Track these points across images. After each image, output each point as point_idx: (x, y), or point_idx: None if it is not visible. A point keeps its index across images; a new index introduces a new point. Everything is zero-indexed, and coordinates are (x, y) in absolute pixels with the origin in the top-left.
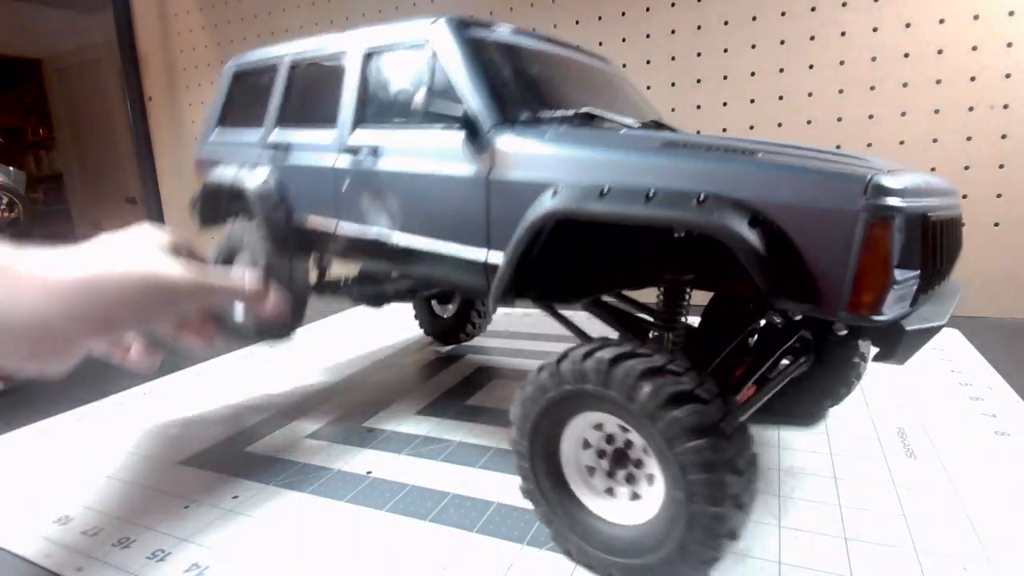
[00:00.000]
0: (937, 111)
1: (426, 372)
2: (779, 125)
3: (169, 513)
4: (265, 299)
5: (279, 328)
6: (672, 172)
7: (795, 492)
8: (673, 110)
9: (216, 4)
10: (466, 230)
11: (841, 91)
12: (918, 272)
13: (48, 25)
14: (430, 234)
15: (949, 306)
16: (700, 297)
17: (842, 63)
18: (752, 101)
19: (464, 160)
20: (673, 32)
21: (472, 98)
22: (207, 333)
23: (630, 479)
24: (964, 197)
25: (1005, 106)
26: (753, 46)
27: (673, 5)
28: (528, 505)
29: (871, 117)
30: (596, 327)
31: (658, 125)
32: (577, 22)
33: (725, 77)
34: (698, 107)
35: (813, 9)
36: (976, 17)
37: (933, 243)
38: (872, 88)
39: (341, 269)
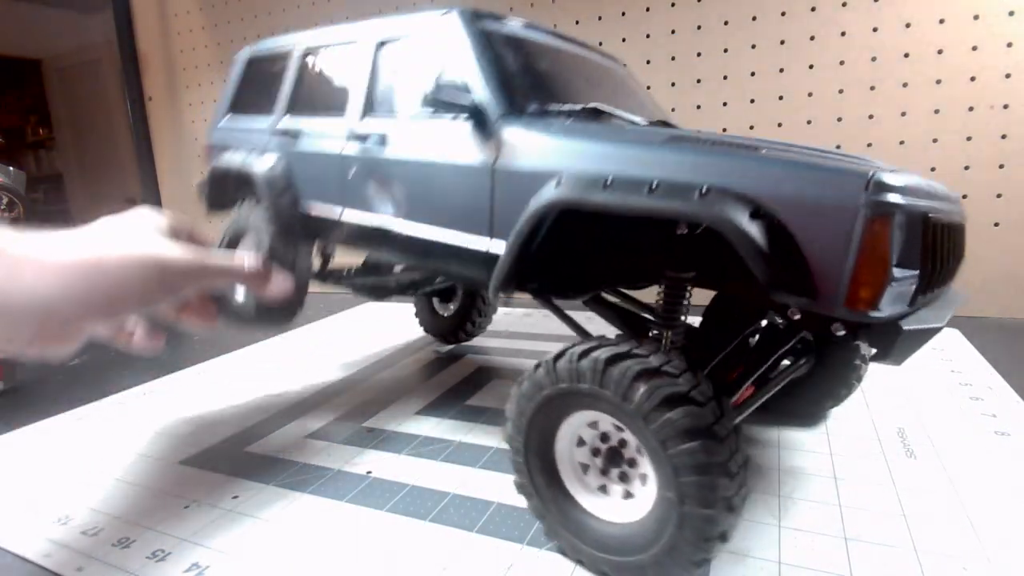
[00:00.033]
0: (937, 111)
1: (426, 372)
2: (779, 125)
3: (169, 513)
4: (266, 281)
5: (279, 313)
6: (675, 165)
7: (795, 492)
8: (673, 110)
9: (216, 4)
10: (469, 219)
11: (841, 91)
12: (917, 272)
13: (48, 25)
14: (433, 222)
15: (948, 311)
16: (701, 297)
17: (842, 63)
18: (752, 101)
19: (470, 149)
20: (673, 32)
21: (481, 88)
22: (209, 315)
23: (623, 478)
24: (964, 197)
25: (1005, 106)
26: (753, 46)
27: (673, 5)
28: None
29: (871, 117)
30: (596, 326)
31: (665, 125)
32: (577, 22)
33: (725, 77)
34: (698, 107)
35: (813, 9)
36: (976, 17)
37: (933, 245)
38: (872, 88)
39: (345, 259)
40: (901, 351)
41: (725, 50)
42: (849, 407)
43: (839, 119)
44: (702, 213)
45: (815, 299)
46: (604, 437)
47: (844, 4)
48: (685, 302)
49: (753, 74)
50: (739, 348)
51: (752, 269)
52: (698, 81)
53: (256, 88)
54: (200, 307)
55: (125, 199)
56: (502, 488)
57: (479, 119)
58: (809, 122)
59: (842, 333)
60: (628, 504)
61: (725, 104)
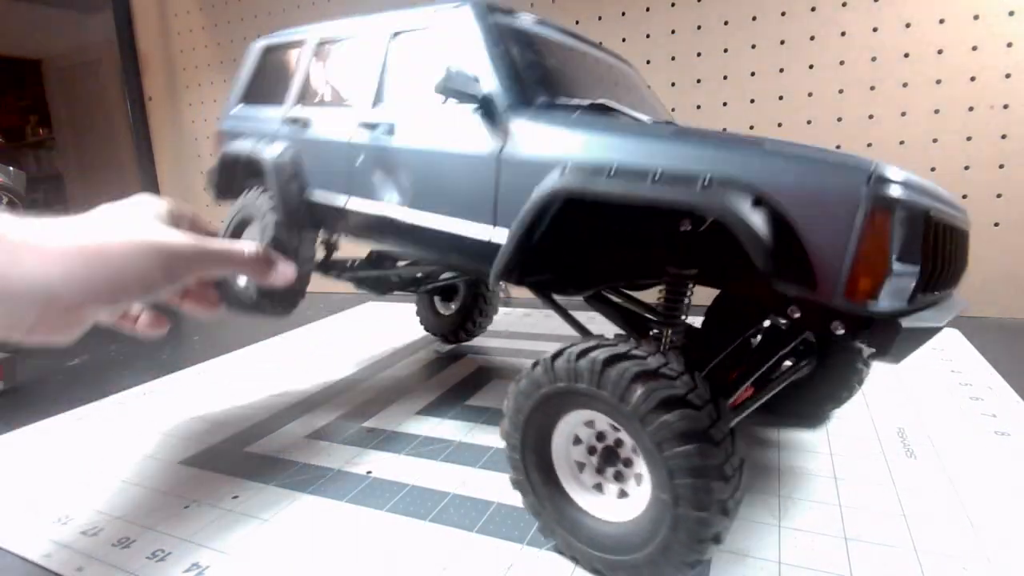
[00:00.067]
0: (937, 111)
1: (426, 372)
2: (779, 125)
3: (169, 513)
4: (268, 269)
5: (280, 301)
6: (679, 157)
7: (795, 492)
8: (673, 110)
9: (216, 4)
10: (473, 207)
11: (841, 91)
12: (917, 269)
13: (48, 25)
14: (437, 211)
15: (948, 314)
16: (703, 298)
17: (842, 63)
18: (752, 101)
19: (477, 138)
20: (673, 32)
21: (491, 78)
22: (211, 301)
23: (618, 477)
24: (964, 197)
25: (1005, 106)
26: (753, 46)
27: (673, 5)
28: None
29: (871, 117)
30: (597, 326)
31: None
32: (577, 22)
33: (725, 77)
34: (698, 107)
35: (813, 9)
36: (976, 17)
37: (934, 244)
38: (872, 88)
39: (349, 251)
40: (899, 349)
41: (725, 50)
42: (849, 407)
43: (839, 119)
44: (704, 202)
45: (814, 289)
46: (600, 436)
47: (844, 4)
48: (686, 300)
49: (753, 74)
50: (740, 349)
51: (753, 258)
52: (698, 81)
53: (269, 78)
54: (203, 293)
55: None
56: (502, 488)
57: (487, 109)
58: (809, 122)
59: (841, 332)
60: (623, 503)
61: (725, 104)
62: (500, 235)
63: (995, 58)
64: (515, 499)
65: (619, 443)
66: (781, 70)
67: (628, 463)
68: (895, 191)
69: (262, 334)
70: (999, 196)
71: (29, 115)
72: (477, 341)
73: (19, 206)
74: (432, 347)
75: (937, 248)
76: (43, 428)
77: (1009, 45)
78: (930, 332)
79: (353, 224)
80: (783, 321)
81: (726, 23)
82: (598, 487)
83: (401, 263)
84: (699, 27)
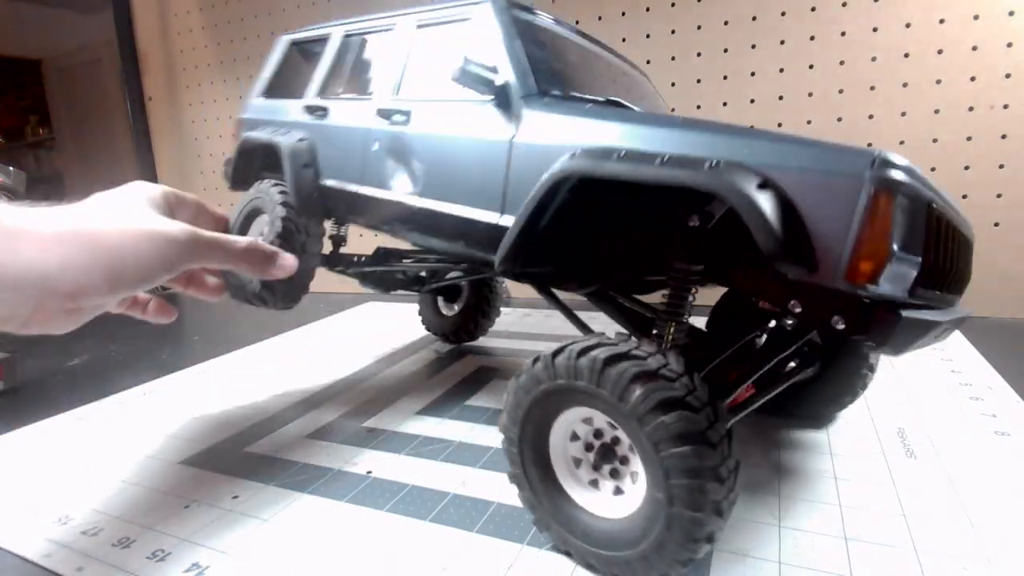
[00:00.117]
0: (937, 111)
1: (426, 372)
2: (779, 125)
3: (169, 513)
4: (264, 264)
5: (283, 294)
6: (688, 143)
7: (795, 492)
8: (673, 110)
9: (216, 4)
10: (483, 193)
11: (841, 91)
12: (918, 260)
13: (48, 25)
14: (448, 195)
15: (950, 315)
16: (707, 298)
17: (842, 63)
18: (752, 101)
19: (491, 125)
20: (673, 32)
21: (507, 69)
22: (214, 287)
23: (615, 474)
24: (964, 197)
25: (1005, 106)
26: (753, 46)
27: (673, 5)
28: None
29: (871, 117)
30: (598, 326)
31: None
32: (577, 22)
33: (725, 77)
34: (698, 107)
35: (813, 9)
36: (976, 17)
37: (936, 239)
38: (872, 88)
39: (355, 247)
40: (899, 340)
41: (725, 50)
42: (849, 407)
43: (839, 119)
44: (711, 182)
45: (816, 271)
46: (598, 434)
47: (844, 4)
48: (691, 298)
49: (753, 74)
50: (741, 350)
51: (756, 238)
52: (698, 81)
53: (292, 71)
54: (205, 279)
55: None
56: (502, 488)
57: (502, 98)
58: (809, 122)
59: (842, 327)
60: (618, 500)
61: (725, 104)
62: (508, 221)
63: (995, 58)
64: (515, 499)
65: (616, 441)
66: (781, 70)
67: (624, 461)
68: (899, 175)
69: (262, 334)
70: (999, 196)
71: (29, 115)
72: (478, 341)
73: None
74: (432, 347)
75: (939, 244)
76: (43, 428)
77: (1009, 45)
78: (930, 326)
79: (364, 209)
80: (788, 322)
81: (726, 23)
82: (594, 483)
83: (407, 260)
84: (699, 27)
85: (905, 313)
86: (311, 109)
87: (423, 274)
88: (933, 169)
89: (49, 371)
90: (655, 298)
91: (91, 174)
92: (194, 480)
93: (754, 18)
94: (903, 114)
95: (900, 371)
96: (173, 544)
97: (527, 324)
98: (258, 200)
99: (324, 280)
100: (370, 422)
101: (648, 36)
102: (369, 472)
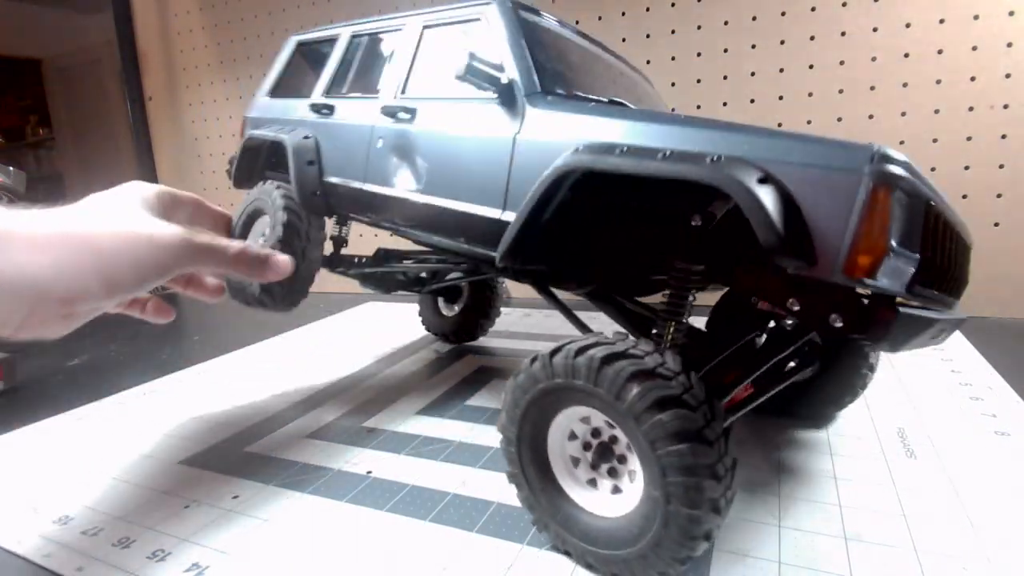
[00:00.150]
0: (937, 111)
1: (426, 372)
2: (779, 125)
3: (169, 513)
4: (255, 267)
5: (282, 297)
6: (690, 139)
7: (795, 492)
8: (673, 110)
9: (216, 4)
10: (485, 189)
11: (841, 91)
12: (916, 256)
13: (48, 25)
14: (451, 191)
15: (947, 314)
16: (707, 299)
17: (842, 63)
18: (752, 101)
19: (495, 121)
20: (673, 32)
21: (512, 66)
22: (214, 288)
23: (612, 473)
24: (964, 197)
25: (1005, 106)
26: (753, 46)
27: (673, 5)
28: None
29: (871, 117)
30: (598, 325)
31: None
32: (577, 22)
33: (725, 77)
34: (698, 107)
35: (813, 9)
36: (976, 17)
37: (934, 237)
38: (872, 88)
39: (356, 248)
40: (897, 337)
41: (725, 50)
42: (850, 407)
43: (839, 119)
44: (713, 176)
45: (815, 264)
46: (596, 432)
47: (844, 4)
48: (691, 298)
49: (753, 74)
50: (741, 349)
51: (757, 232)
52: (698, 81)
53: (298, 71)
54: (204, 281)
55: None
56: (502, 488)
57: (506, 96)
58: (809, 122)
59: (839, 325)
60: (616, 499)
61: (725, 104)
62: (510, 216)
63: (995, 58)
64: (515, 499)
65: (614, 440)
66: (781, 70)
67: (622, 460)
68: (897, 170)
69: (262, 334)
70: (999, 196)
71: (29, 115)
72: (478, 341)
73: (19, 206)
74: (433, 347)
75: (937, 242)
76: (43, 428)
77: (1009, 45)
78: (928, 323)
79: (367, 206)
80: (788, 322)
81: (726, 23)
82: (592, 483)
83: (407, 261)
84: (699, 27)
85: (903, 309)
86: (316, 107)
87: (423, 275)
88: (933, 169)
89: (49, 371)
90: (654, 299)
91: (91, 174)
92: (194, 480)
93: (754, 18)
94: (903, 114)
95: (900, 371)
96: (173, 544)
97: (527, 324)
98: (260, 202)
99: (324, 280)
100: (370, 422)
101: (648, 36)
102: (369, 472)
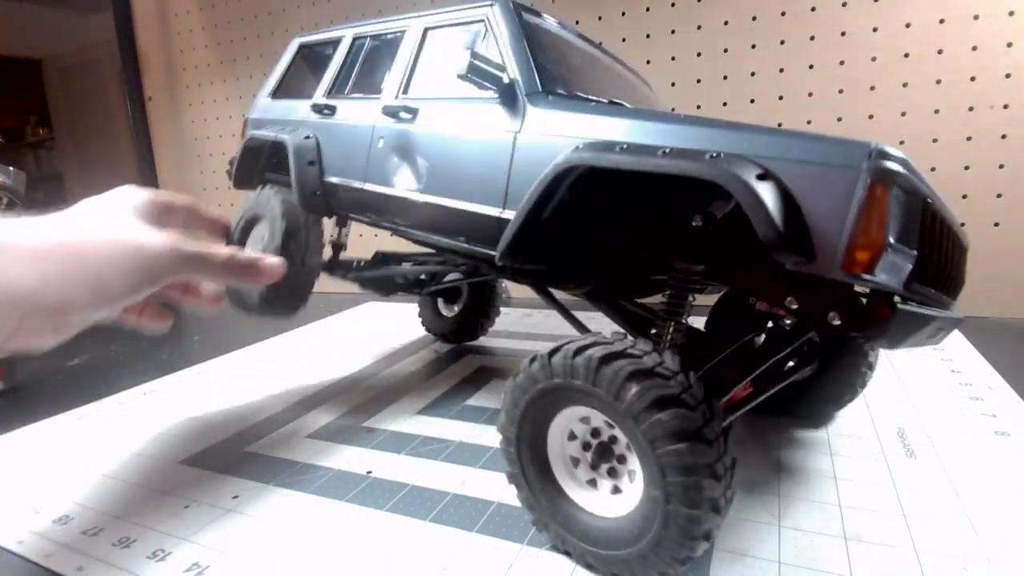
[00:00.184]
0: (937, 111)
1: (426, 372)
2: (779, 125)
3: (169, 513)
4: (245, 274)
5: (283, 304)
6: (689, 137)
7: (795, 492)
8: (673, 110)
9: (216, 4)
10: (487, 187)
11: (841, 91)
12: (914, 253)
13: (48, 25)
14: (452, 190)
15: (944, 312)
16: (706, 298)
17: (842, 63)
18: (752, 101)
19: (496, 120)
20: (673, 32)
21: (514, 65)
22: (212, 297)
23: (612, 473)
24: (964, 197)
25: (1005, 106)
26: (753, 46)
27: (673, 5)
28: None
29: (871, 117)
30: (597, 325)
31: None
32: (577, 22)
33: (725, 77)
34: (698, 107)
35: (813, 9)
36: (976, 17)
37: (931, 236)
38: (872, 88)
39: (355, 252)
40: (895, 333)
41: (725, 50)
42: (849, 407)
43: (839, 119)
44: (712, 172)
45: (814, 260)
46: (595, 432)
47: (844, 4)
48: (691, 298)
49: (753, 74)
50: (741, 348)
51: (756, 228)
52: (698, 81)
53: (300, 73)
54: (203, 290)
55: None
56: (502, 488)
57: (508, 95)
58: (809, 122)
59: (838, 322)
60: (616, 499)
61: (725, 104)
62: (510, 215)
63: (995, 58)
64: (515, 499)
65: (613, 440)
66: (781, 70)
67: (622, 460)
68: (895, 166)
69: (262, 334)
70: (999, 196)
71: (29, 115)
72: (478, 341)
73: (19, 206)
74: (432, 347)
75: (934, 240)
76: (43, 428)
77: (1009, 45)
78: (926, 319)
79: (368, 205)
80: (787, 322)
81: (726, 23)
82: (592, 483)
83: (406, 263)
84: (699, 27)
85: (901, 306)
86: (318, 108)
87: (423, 276)
88: (933, 169)
89: (49, 371)
90: (652, 300)
91: (91, 174)
92: (194, 480)
93: (754, 18)
94: (903, 114)
95: (900, 371)
96: (173, 544)
97: (527, 324)
98: (258, 208)
99: (324, 280)
100: (370, 422)
101: (648, 36)
102: (369, 472)
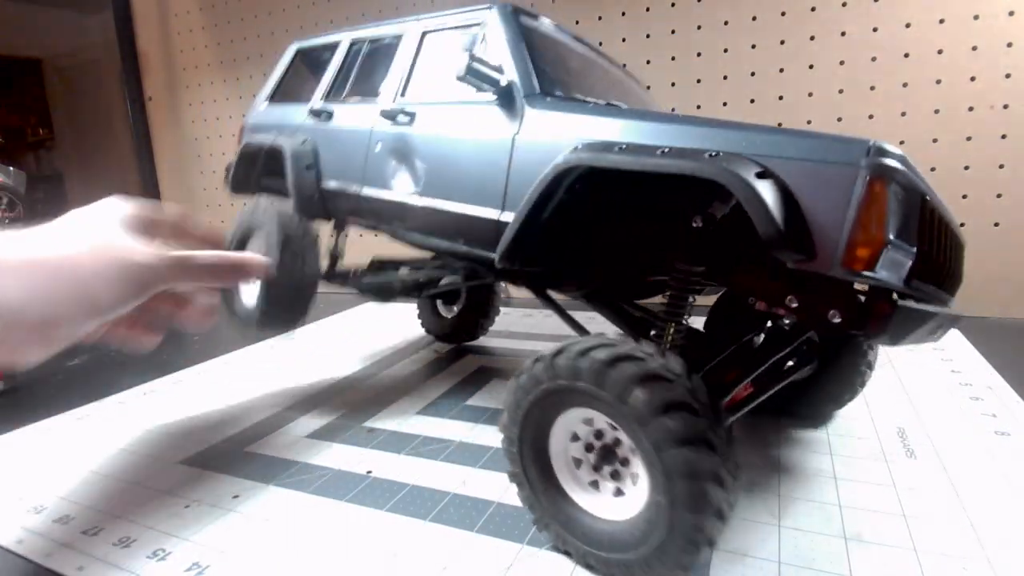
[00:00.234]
0: (937, 111)
1: (426, 372)
2: (779, 125)
3: (169, 513)
4: (233, 274)
5: (283, 317)
6: (688, 135)
7: (795, 492)
8: (673, 110)
9: (216, 4)
10: (485, 189)
11: (841, 91)
12: (913, 250)
13: (48, 25)
14: (451, 192)
15: (943, 309)
16: (705, 299)
17: (842, 63)
18: (752, 101)
19: (494, 123)
20: (673, 32)
21: (512, 68)
22: (204, 312)
23: (615, 475)
24: (964, 197)
25: (1005, 106)
26: (753, 46)
27: (673, 5)
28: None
29: (871, 117)
30: (597, 326)
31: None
32: (577, 22)
33: (725, 77)
34: (698, 107)
35: (813, 9)
36: (976, 17)
37: (930, 232)
38: (872, 88)
39: (352, 260)
40: (895, 330)
41: (725, 50)
42: (849, 407)
43: (839, 119)
44: (712, 171)
45: (814, 257)
46: (599, 434)
47: (844, 4)
48: (691, 299)
49: (753, 74)
50: (740, 348)
51: (757, 226)
52: (698, 81)
53: (298, 77)
54: (195, 303)
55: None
56: (502, 488)
57: (506, 97)
58: (809, 122)
59: (838, 321)
60: (618, 502)
61: (725, 104)
62: (508, 217)
63: (995, 58)
64: (516, 499)
65: (617, 442)
66: (781, 70)
67: (625, 462)
68: (894, 163)
69: (262, 335)
70: (999, 196)
71: (29, 115)
72: (478, 341)
73: (19, 206)
74: (432, 347)
75: (933, 237)
76: (43, 428)
77: (1009, 45)
78: (925, 316)
79: (366, 209)
80: (786, 322)
81: (726, 23)
82: (594, 484)
83: (403, 268)
84: (699, 27)
85: (901, 303)
86: (315, 113)
87: (421, 280)
88: (933, 169)
89: (49, 371)
90: (650, 301)
91: (91, 174)
92: (194, 480)
93: (754, 18)
94: (903, 114)
95: (900, 371)
96: (174, 544)
97: (527, 324)
98: (254, 221)
99: (323, 281)
100: (370, 422)
101: (648, 36)
102: (369, 472)
